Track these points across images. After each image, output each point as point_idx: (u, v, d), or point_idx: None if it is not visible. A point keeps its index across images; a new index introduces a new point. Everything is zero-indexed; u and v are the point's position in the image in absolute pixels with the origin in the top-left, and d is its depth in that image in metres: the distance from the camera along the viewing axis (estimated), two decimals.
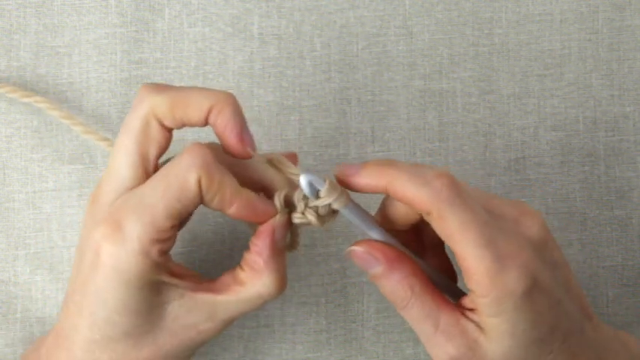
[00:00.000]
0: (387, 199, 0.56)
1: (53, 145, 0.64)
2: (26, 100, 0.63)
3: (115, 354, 0.53)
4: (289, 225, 0.54)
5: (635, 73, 0.66)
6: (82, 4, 0.65)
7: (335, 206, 0.53)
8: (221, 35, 0.65)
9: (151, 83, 0.53)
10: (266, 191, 0.55)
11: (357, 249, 0.54)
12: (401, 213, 0.55)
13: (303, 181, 0.53)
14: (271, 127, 0.65)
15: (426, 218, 0.52)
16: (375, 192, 0.53)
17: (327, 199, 0.53)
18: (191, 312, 0.53)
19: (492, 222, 0.52)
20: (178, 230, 0.53)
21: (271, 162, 0.55)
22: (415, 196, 0.51)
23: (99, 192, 0.53)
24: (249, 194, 0.53)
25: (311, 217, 0.54)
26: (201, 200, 0.51)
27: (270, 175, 0.55)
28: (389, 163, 0.53)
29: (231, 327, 0.64)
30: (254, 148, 0.53)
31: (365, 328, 0.65)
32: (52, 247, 0.64)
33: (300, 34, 0.66)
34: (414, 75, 0.66)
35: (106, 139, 0.62)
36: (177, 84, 0.65)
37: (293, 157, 0.58)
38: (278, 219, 0.54)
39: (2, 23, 0.65)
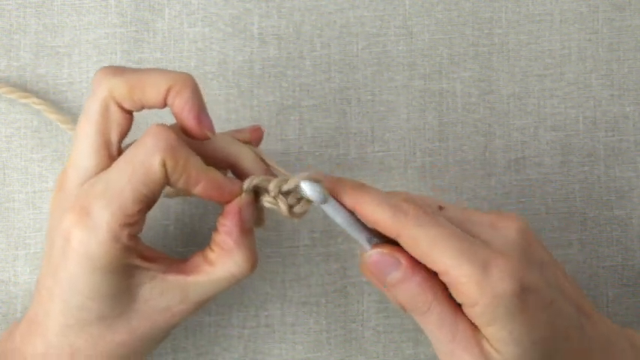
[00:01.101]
0: None
1: (53, 145, 0.64)
2: (24, 101, 0.63)
3: (90, 337, 0.53)
4: (255, 203, 0.54)
5: (635, 73, 0.66)
6: (82, 4, 0.65)
7: (307, 195, 0.53)
8: (221, 35, 0.65)
9: (108, 66, 0.53)
10: (232, 168, 0.55)
11: (376, 252, 0.54)
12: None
13: (303, 183, 0.53)
14: (271, 127, 0.65)
15: (398, 241, 0.52)
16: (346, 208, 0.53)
17: (298, 183, 0.53)
18: (163, 294, 0.53)
19: (463, 233, 0.52)
20: (146, 212, 0.52)
21: (260, 157, 0.55)
22: (381, 220, 0.52)
23: (64, 178, 0.53)
24: (215, 173, 0.53)
25: (282, 204, 0.54)
26: (167, 181, 0.51)
27: (235, 151, 0.55)
28: (359, 185, 0.53)
29: (231, 327, 0.64)
30: (212, 130, 0.53)
31: (365, 328, 0.65)
32: None
33: (300, 34, 0.66)
34: (414, 75, 0.66)
35: None
36: None
37: (258, 131, 0.58)
38: (244, 197, 0.53)
39: (2, 23, 0.65)
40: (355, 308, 0.65)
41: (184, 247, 0.64)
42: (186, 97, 0.52)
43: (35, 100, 0.63)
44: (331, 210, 0.54)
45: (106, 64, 0.65)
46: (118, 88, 0.52)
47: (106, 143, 0.52)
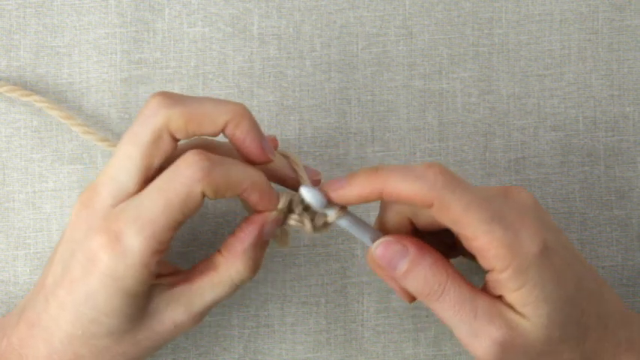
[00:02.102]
0: (381, 211, 0.56)
1: (53, 145, 0.64)
2: (25, 99, 0.63)
3: (95, 348, 0.54)
4: (280, 223, 0.55)
5: (635, 73, 0.66)
6: (82, 4, 0.65)
7: (330, 219, 0.54)
8: (221, 35, 0.65)
9: (163, 93, 0.53)
10: (275, 179, 0.56)
11: (382, 241, 0.54)
12: (396, 222, 0.55)
13: (306, 192, 0.53)
14: (271, 127, 0.65)
15: (429, 212, 0.52)
16: (368, 201, 0.53)
17: (325, 211, 0.54)
18: (169, 305, 0.54)
19: (490, 198, 0.52)
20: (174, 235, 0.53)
21: (288, 158, 0.56)
22: (413, 191, 0.51)
23: (93, 195, 0.53)
24: (259, 177, 0.53)
25: (307, 223, 0.54)
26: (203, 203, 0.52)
27: (282, 168, 0.56)
28: (377, 168, 0.53)
29: (231, 327, 0.64)
30: (273, 153, 0.54)
31: (365, 328, 0.65)
32: (52, 247, 0.64)
33: (300, 34, 0.66)
34: (413, 75, 0.66)
35: (105, 140, 0.62)
36: (177, 84, 0.65)
37: (274, 141, 0.58)
38: (274, 215, 0.54)
39: (2, 23, 0.65)
40: (355, 308, 0.65)
41: (185, 247, 0.64)
42: (247, 129, 0.53)
43: (37, 97, 0.63)
44: (334, 215, 0.54)
45: (106, 64, 0.65)
46: (175, 120, 0.52)
47: (148, 168, 0.52)
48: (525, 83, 0.66)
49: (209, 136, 0.53)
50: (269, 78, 0.65)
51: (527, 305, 0.51)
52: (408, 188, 0.51)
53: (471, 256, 0.53)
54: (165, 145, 0.52)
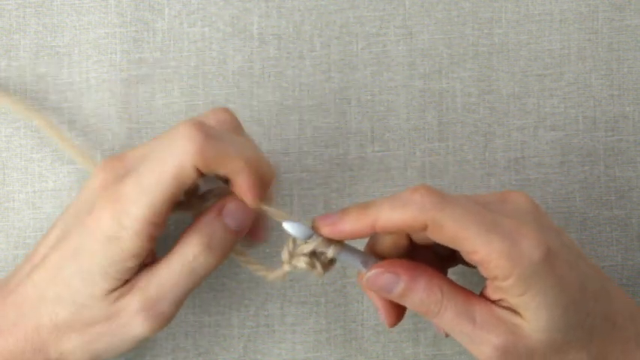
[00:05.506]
0: (371, 237, 0.56)
1: (53, 145, 0.64)
2: (19, 114, 0.63)
3: (61, 325, 0.54)
4: (252, 214, 0.55)
5: (635, 73, 0.66)
6: (81, 4, 0.65)
7: (330, 255, 0.54)
8: (221, 35, 0.65)
9: (199, 129, 0.52)
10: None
11: (373, 272, 0.54)
12: (389, 245, 0.55)
13: (289, 226, 0.54)
14: (271, 127, 0.65)
15: (426, 234, 0.52)
16: (362, 236, 0.53)
17: (310, 241, 0.54)
18: (130, 292, 0.54)
19: (484, 208, 0.52)
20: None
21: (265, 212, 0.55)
22: (403, 219, 0.51)
23: (122, 192, 0.53)
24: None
25: (318, 265, 0.55)
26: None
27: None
28: (367, 204, 0.53)
29: (231, 327, 0.64)
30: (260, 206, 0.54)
31: (364, 327, 0.65)
32: None
33: (300, 34, 0.66)
34: (413, 75, 0.66)
35: (94, 164, 0.61)
36: (177, 84, 0.65)
37: (225, 113, 0.57)
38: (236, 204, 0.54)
39: (2, 23, 0.65)
40: (355, 308, 0.65)
41: None
42: (251, 184, 0.53)
43: (30, 112, 0.63)
44: (322, 245, 0.54)
45: (106, 64, 0.65)
46: (205, 160, 0.52)
47: (171, 201, 0.52)
48: (525, 83, 0.66)
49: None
50: (269, 78, 0.65)
51: (529, 310, 0.51)
52: (398, 217, 0.51)
53: (470, 265, 0.53)
54: (192, 180, 0.52)
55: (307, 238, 0.54)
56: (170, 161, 0.51)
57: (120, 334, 0.54)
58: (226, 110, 0.56)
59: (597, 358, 0.53)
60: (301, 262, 0.55)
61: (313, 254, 0.54)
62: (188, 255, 0.54)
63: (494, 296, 0.52)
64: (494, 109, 0.66)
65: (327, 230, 0.53)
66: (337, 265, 0.56)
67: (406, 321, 0.65)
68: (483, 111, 0.66)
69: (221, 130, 0.53)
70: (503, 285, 0.51)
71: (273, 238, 0.62)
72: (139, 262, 0.53)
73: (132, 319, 0.54)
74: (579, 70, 0.66)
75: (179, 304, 0.54)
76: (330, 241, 0.54)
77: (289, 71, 0.65)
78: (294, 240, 0.55)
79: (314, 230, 0.54)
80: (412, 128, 0.66)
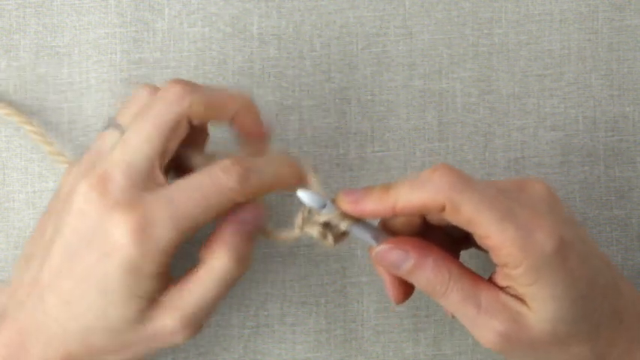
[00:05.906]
0: None
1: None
2: (20, 125, 0.63)
3: (92, 348, 0.53)
4: (263, 214, 0.55)
5: (635, 73, 0.66)
6: (81, 4, 0.65)
7: (343, 228, 0.54)
8: (221, 35, 0.65)
9: (183, 81, 0.54)
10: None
11: (383, 247, 0.54)
12: (402, 222, 0.55)
13: (303, 195, 0.54)
14: (271, 127, 0.65)
15: (442, 216, 0.52)
16: (382, 217, 0.54)
17: (324, 212, 0.54)
18: (160, 309, 0.53)
19: (502, 195, 0.52)
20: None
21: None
22: (422, 199, 0.51)
23: (107, 181, 0.52)
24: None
25: (330, 236, 0.55)
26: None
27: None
28: (388, 186, 0.53)
29: (231, 327, 0.64)
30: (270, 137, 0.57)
31: (365, 328, 0.65)
32: None
33: (300, 34, 0.66)
34: (413, 75, 0.66)
35: (60, 154, 0.61)
36: None
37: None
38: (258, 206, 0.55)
39: (2, 23, 0.65)
40: (355, 308, 0.65)
41: (184, 247, 0.64)
42: (253, 119, 0.56)
43: (22, 119, 0.63)
44: (338, 218, 0.54)
45: (106, 64, 0.65)
46: (197, 107, 0.53)
47: (166, 153, 0.53)
48: (525, 83, 0.66)
49: (218, 121, 0.55)
50: (269, 78, 0.65)
51: (536, 300, 0.51)
52: (417, 198, 0.51)
53: (483, 249, 0.53)
54: (183, 131, 0.54)
55: (321, 208, 0.54)
56: (166, 115, 0.53)
57: (158, 347, 0.54)
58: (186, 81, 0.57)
59: (600, 354, 0.53)
60: (314, 231, 0.55)
61: (327, 225, 0.54)
62: (220, 270, 0.53)
63: (502, 283, 0.52)
64: (494, 109, 0.66)
65: (348, 207, 0.53)
66: (349, 237, 0.56)
67: (406, 321, 0.65)
68: (483, 111, 0.66)
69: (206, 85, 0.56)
70: (513, 273, 0.51)
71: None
72: (165, 278, 0.53)
73: (172, 336, 0.54)
74: (579, 70, 0.66)
75: (213, 312, 0.55)
76: (345, 215, 0.54)
77: (289, 71, 0.65)
78: (311, 209, 0.55)
79: (334, 202, 0.54)
80: (412, 128, 0.66)
